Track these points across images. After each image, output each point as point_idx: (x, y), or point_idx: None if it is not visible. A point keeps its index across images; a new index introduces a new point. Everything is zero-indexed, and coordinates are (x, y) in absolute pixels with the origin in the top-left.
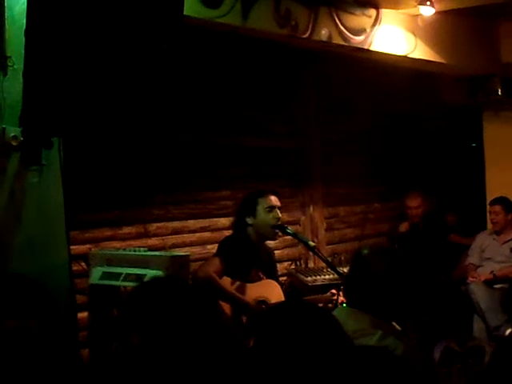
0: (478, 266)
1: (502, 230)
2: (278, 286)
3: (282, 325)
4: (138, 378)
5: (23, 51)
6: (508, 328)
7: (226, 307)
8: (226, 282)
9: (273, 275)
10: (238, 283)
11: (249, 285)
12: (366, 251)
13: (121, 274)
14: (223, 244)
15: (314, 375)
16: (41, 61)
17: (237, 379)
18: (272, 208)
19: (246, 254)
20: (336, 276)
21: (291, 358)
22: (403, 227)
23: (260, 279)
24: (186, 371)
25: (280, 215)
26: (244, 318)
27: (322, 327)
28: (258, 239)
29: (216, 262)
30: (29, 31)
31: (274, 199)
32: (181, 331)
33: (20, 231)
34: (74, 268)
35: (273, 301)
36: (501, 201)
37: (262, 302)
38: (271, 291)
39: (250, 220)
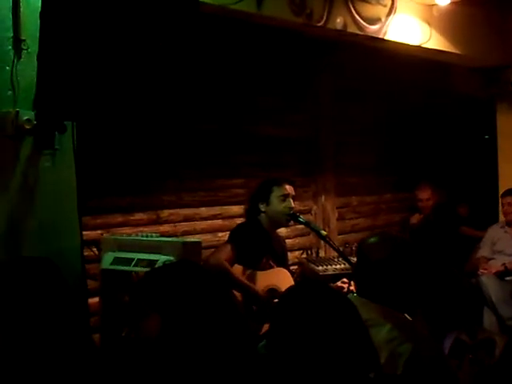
0: (490, 259)
1: None
2: (289, 275)
3: (299, 307)
4: (156, 360)
5: (38, 34)
6: None
7: (237, 294)
8: (236, 269)
9: (283, 264)
10: (248, 271)
11: (259, 273)
12: (367, 240)
13: (132, 259)
14: (235, 231)
15: (329, 358)
16: (55, 44)
17: (248, 368)
18: (286, 197)
19: (258, 242)
20: (347, 266)
21: (308, 341)
22: (414, 219)
23: (271, 267)
24: (203, 354)
25: (293, 205)
26: (254, 307)
27: (340, 311)
28: (270, 226)
29: (227, 250)
30: (44, 14)
31: (288, 188)
32: (201, 313)
33: (32, 215)
34: (86, 253)
35: (283, 289)
36: None
37: (273, 291)
38: (282, 279)
39: (262, 207)
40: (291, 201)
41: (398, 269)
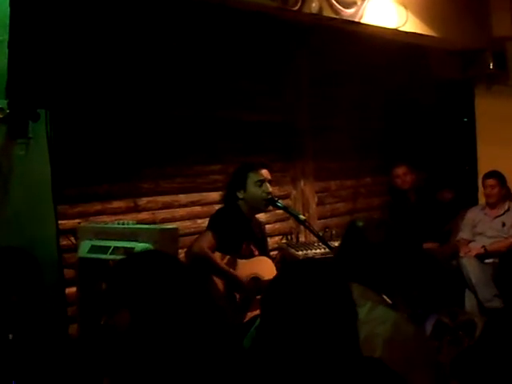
0: (470, 241)
1: (496, 203)
2: (271, 262)
3: (293, 286)
4: (128, 354)
5: (8, 22)
6: (498, 302)
7: (220, 283)
8: (218, 257)
9: (264, 248)
10: (230, 259)
11: (241, 261)
12: (361, 223)
13: (109, 247)
14: (214, 217)
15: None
16: (26, 32)
17: (227, 360)
18: (262, 182)
19: (238, 227)
20: (327, 250)
21: (301, 320)
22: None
23: (252, 253)
24: (177, 349)
25: (270, 189)
26: (237, 295)
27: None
28: (249, 211)
29: (209, 237)
30: (14, 2)
31: (264, 172)
32: (172, 307)
33: (7, 205)
34: (64, 242)
35: (265, 277)
36: (496, 174)
37: (255, 279)
38: (264, 268)
39: (240, 194)
40: (268, 185)
41: (393, 252)
